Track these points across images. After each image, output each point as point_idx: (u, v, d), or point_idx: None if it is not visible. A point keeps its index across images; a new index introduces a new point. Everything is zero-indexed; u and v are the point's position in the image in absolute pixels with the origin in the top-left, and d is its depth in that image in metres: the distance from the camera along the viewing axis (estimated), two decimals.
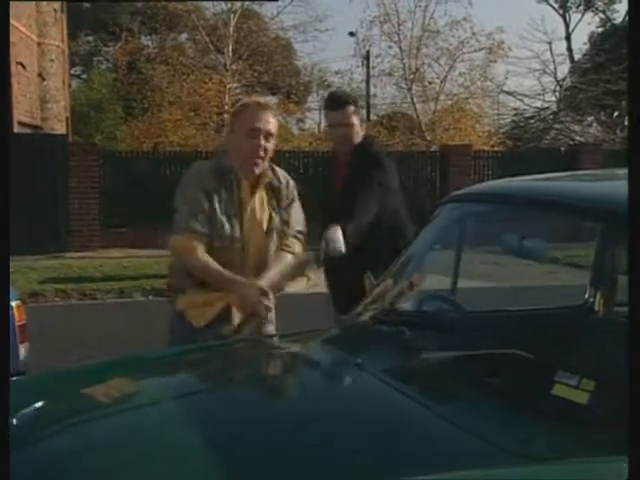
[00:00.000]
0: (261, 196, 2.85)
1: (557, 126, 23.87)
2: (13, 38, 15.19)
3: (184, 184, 2.83)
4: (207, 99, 18.75)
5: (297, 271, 3.05)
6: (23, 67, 18.05)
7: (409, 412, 1.71)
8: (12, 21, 13.76)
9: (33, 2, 19.24)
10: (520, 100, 24.66)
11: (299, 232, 2.93)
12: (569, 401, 1.63)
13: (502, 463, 1.44)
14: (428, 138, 18.69)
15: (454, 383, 1.81)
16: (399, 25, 18.79)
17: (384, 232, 3.54)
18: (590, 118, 26.72)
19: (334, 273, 3.61)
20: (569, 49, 29.18)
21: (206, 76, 19.38)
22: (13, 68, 16.43)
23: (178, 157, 14.10)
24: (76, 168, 12.82)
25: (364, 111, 23.72)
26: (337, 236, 3.13)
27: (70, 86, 25.56)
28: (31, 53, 19.32)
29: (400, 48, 19.01)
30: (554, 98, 25.87)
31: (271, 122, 2.76)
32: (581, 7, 30.14)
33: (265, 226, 2.83)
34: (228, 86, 19.44)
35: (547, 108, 25.11)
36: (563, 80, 26.08)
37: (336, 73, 23.73)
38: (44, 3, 20.44)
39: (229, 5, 20.41)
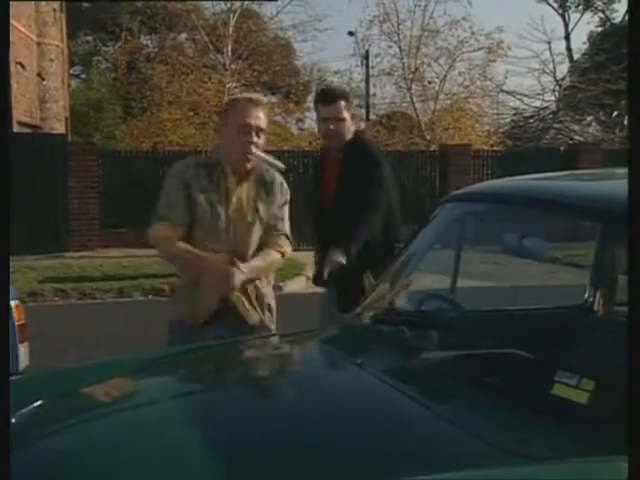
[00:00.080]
0: (248, 188, 2.87)
1: (556, 125, 23.86)
2: (12, 38, 15.17)
3: (167, 177, 2.92)
4: (206, 99, 18.73)
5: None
6: (22, 67, 18.04)
7: (409, 412, 1.71)
8: (11, 21, 13.75)
9: (32, 2, 19.22)
10: (519, 100, 24.68)
11: (289, 233, 2.95)
12: (569, 401, 1.63)
13: (502, 463, 1.43)
14: (428, 138, 18.69)
15: (454, 383, 1.81)
16: (398, 25, 18.80)
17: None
18: (589, 118, 26.71)
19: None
20: (568, 49, 29.19)
21: (205, 76, 19.37)
22: (12, 68, 16.42)
23: (177, 157, 14.01)
24: (75, 168, 12.82)
25: (363, 111, 23.74)
26: (338, 257, 3.29)
27: (69, 86, 25.55)
28: (30, 53, 19.30)
29: (399, 47, 19.03)
30: (553, 98, 25.87)
31: (261, 118, 2.80)
32: (580, 7, 30.14)
33: (250, 217, 2.84)
34: (227, 86, 19.42)
35: (546, 108, 25.11)
36: (562, 80, 26.08)
37: (335, 73, 23.68)
38: (43, 3, 20.42)
39: (228, 5, 20.41)
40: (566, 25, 29.89)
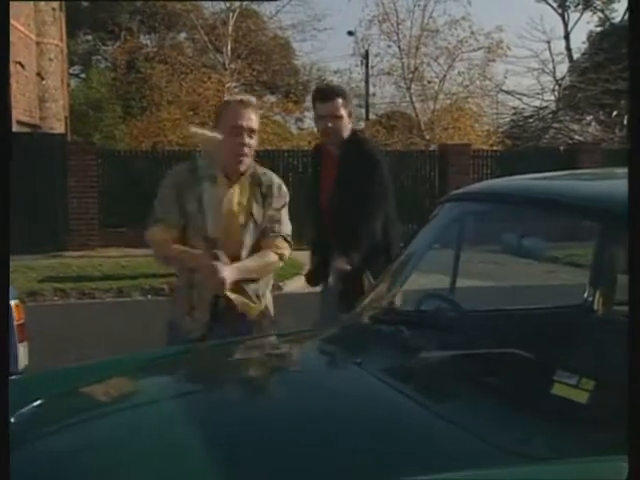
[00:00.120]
0: (242, 190, 2.86)
1: (556, 125, 23.86)
2: (12, 37, 15.14)
3: (163, 180, 2.97)
4: (206, 98, 18.73)
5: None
6: (22, 66, 18.02)
7: (408, 412, 1.71)
8: (11, 20, 13.72)
9: (31, 2, 19.21)
10: (519, 99, 24.69)
11: (289, 234, 2.94)
12: (569, 400, 1.63)
13: (502, 463, 1.43)
14: (427, 137, 18.69)
15: (453, 382, 1.80)
16: (398, 24, 18.80)
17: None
18: (589, 117, 26.72)
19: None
20: (568, 48, 29.19)
21: (205, 75, 19.37)
22: (12, 67, 16.40)
23: (177, 156, 14.03)
24: (75, 167, 12.81)
25: (363, 110, 23.74)
26: (344, 264, 3.33)
27: (69, 85, 25.52)
28: (30, 52, 19.29)
29: (399, 47, 19.03)
30: (553, 97, 25.88)
31: (253, 119, 2.81)
32: (580, 6, 30.13)
33: (242, 220, 2.84)
34: (227, 85, 19.42)
35: (546, 107, 25.11)
36: (562, 79, 26.08)
37: (335, 72, 23.68)
38: (42, 2, 20.40)
39: (228, 4, 20.41)
40: (565, 25, 29.92)
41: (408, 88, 19.26)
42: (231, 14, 20.17)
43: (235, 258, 2.79)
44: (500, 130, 22.32)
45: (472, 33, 18.92)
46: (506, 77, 30.06)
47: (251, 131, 2.81)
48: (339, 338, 2.32)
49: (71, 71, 28.89)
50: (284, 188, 2.97)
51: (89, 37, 32.14)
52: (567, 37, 29.58)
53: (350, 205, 3.52)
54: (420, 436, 1.59)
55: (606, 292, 2.45)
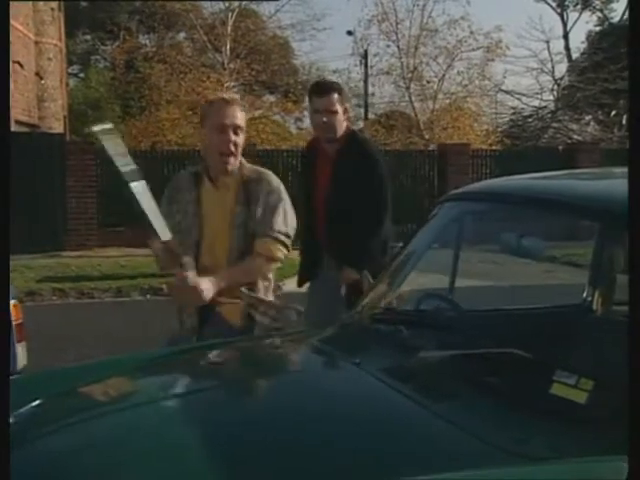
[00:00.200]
0: (228, 192, 2.82)
1: (555, 125, 23.88)
2: (10, 37, 15.12)
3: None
4: (205, 98, 18.57)
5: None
6: (20, 66, 18.01)
7: (407, 412, 1.71)
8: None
9: (30, 1, 19.20)
10: (518, 99, 24.70)
11: (283, 234, 2.79)
12: (567, 400, 1.63)
13: (501, 463, 1.43)
14: (426, 137, 18.70)
15: (452, 382, 1.80)
16: (397, 24, 18.83)
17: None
18: (588, 117, 26.73)
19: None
20: (567, 48, 29.19)
21: (204, 75, 19.38)
22: (10, 67, 16.39)
23: (176, 156, 14.08)
24: (74, 167, 12.80)
25: (362, 110, 23.72)
26: (354, 274, 3.30)
27: (68, 85, 25.50)
28: (28, 52, 19.28)
29: (398, 47, 19.06)
30: (552, 97, 25.90)
31: (238, 116, 2.78)
32: (579, 6, 30.13)
33: (227, 223, 2.79)
34: (226, 85, 19.42)
35: (545, 107, 25.13)
36: (561, 79, 26.11)
37: (334, 72, 23.65)
38: (41, 2, 20.39)
39: (227, 4, 20.44)
40: (564, 24, 29.91)
41: (407, 88, 19.27)
42: (230, 14, 20.19)
43: (220, 263, 2.75)
44: (499, 130, 22.33)
45: (471, 33, 18.97)
46: (505, 77, 29.98)
47: (236, 128, 2.77)
48: (338, 338, 2.31)
49: (70, 71, 28.86)
50: (278, 186, 2.84)
51: (88, 37, 32.12)
52: (566, 37, 29.60)
53: (347, 205, 3.51)
54: (419, 436, 1.59)
55: (605, 292, 2.44)
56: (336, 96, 3.57)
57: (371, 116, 23.70)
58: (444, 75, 19.26)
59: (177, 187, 2.93)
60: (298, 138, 22.59)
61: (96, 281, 9.74)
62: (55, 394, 2.01)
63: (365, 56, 21.85)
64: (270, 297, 2.85)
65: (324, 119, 3.55)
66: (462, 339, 1.98)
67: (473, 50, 19.25)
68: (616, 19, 28.59)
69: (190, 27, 22.74)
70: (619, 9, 28.53)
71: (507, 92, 23.42)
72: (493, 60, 19.87)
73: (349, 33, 23.05)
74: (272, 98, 25.09)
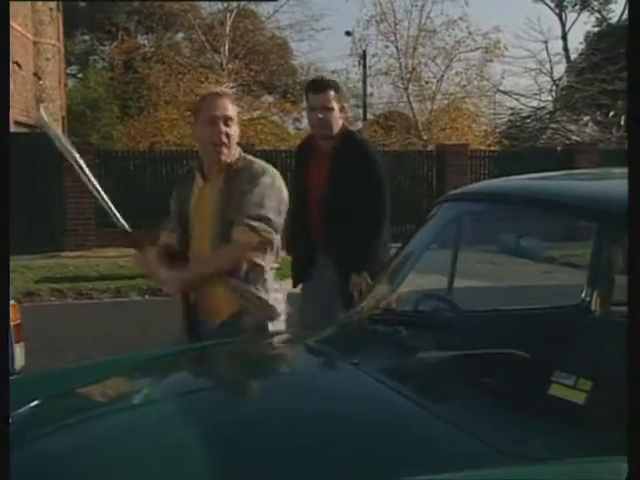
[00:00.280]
0: (214, 185, 2.81)
1: (553, 125, 23.89)
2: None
3: None
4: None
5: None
6: (19, 66, 18.01)
7: (406, 412, 1.71)
8: None
9: (29, 1, 19.19)
10: (516, 99, 24.71)
11: (256, 219, 2.68)
12: (566, 401, 1.63)
13: (499, 463, 1.43)
14: (425, 137, 18.69)
15: (451, 383, 1.80)
16: (395, 24, 18.82)
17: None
18: (586, 117, 26.76)
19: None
20: (565, 48, 29.22)
21: (202, 75, 19.36)
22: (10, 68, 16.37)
23: (174, 156, 14.07)
24: (72, 168, 12.68)
25: (360, 110, 23.71)
26: (362, 279, 3.22)
27: (66, 85, 25.48)
28: (27, 52, 19.27)
29: (397, 47, 19.04)
30: (550, 97, 25.91)
31: (229, 108, 2.79)
32: (577, 6, 30.16)
33: (212, 213, 2.78)
34: (224, 85, 19.38)
35: (543, 107, 25.14)
36: (559, 79, 26.13)
37: (332, 72, 23.62)
38: (40, 2, 20.38)
39: (225, 4, 20.42)
40: (563, 25, 29.94)
41: (406, 88, 19.26)
42: (229, 14, 20.19)
43: (204, 252, 2.79)
44: (497, 130, 22.34)
45: (469, 33, 18.96)
46: (503, 77, 30.01)
47: (227, 119, 2.77)
48: (336, 338, 2.31)
49: (68, 71, 28.85)
50: (262, 173, 2.76)
51: (86, 37, 32.11)
52: (564, 37, 29.62)
53: (344, 204, 3.50)
54: (418, 437, 1.59)
55: (603, 292, 2.45)
56: (332, 93, 3.57)
57: (369, 116, 23.71)
58: (442, 76, 19.26)
59: (178, 186, 2.99)
60: (296, 138, 22.54)
61: (94, 281, 9.73)
62: (53, 395, 2.01)
63: (363, 56, 21.84)
64: (264, 292, 2.79)
65: (320, 116, 3.55)
66: (461, 340, 1.98)
67: (471, 51, 19.26)
68: (614, 20, 28.64)
69: (188, 27, 22.73)
70: (617, 10, 28.58)
71: (505, 93, 23.45)
72: (491, 61, 19.89)
73: (347, 33, 23.04)
74: (270, 98, 25.08)
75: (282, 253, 2.91)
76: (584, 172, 3.52)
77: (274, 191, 2.75)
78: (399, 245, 2.62)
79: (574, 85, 24.13)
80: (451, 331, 2.08)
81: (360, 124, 21.54)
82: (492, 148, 18.14)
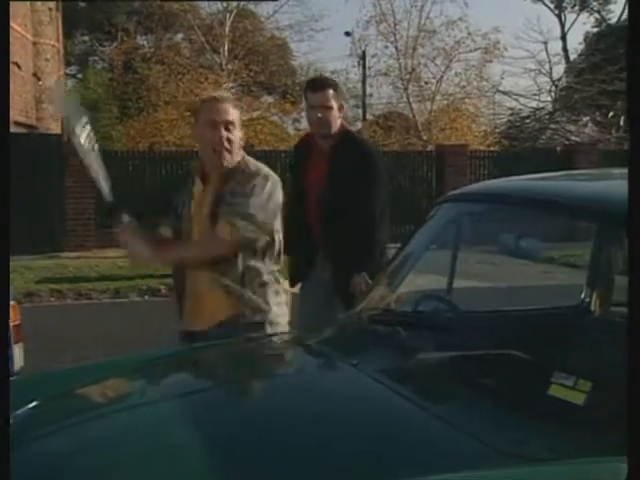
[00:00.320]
0: (213, 187, 2.81)
1: (553, 126, 23.90)
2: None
3: None
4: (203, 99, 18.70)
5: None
6: (18, 67, 18.00)
7: (405, 413, 1.70)
8: None
9: (28, 2, 19.19)
10: (516, 100, 24.71)
11: (241, 217, 2.66)
12: (566, 402, 1.63)
13: (499, 464, 1.43)
14: (424, 138, 18.69)
15: (450, 383, 1.80)
16: (395, 25, 18.81)
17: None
18: (585, 118, 26.77)
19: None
20: (564, 49, 29.22)
21: (202, 76, 19.36)
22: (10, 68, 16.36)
23: (174, 157, 14.07)
24: (72, 168, 12.75)
25: (360, 111, 23.73)
26: (364, 280, 3.34)
27: (66, 86, 25.49)
28: (26, 53, 19.27)
29: (396, 48, 19.03)
30: (550, 98, 25.91)
31: (230, 112, 2.77)
32: (576, 7, 30.17)
33: (209, 213, 2.78)
34: (224, 86, 19.40)
35: (543, 108, 25.14)
36: (559, 80, 26.14)
37: (332, 73, 23.59)
38: (39, 2, 20.37)
39: (225, 5, 20.43)
40: (562, 25, 29.95)
41: (405, 89, 19.26)
42: (228, 15, 20.19)
43: (203, 264, 2.76)
44: (497, 131, 22.34)
45: (469, 34, 18.96)
46: (503, 78, 30.00)
47: (228, 123, 2.75)
48: (336, 339, 2.31)
49: (68, 71, 28.83)
50: (255, 174, 2.76)
51: (86, 37, 32.11)
52: (564, 38, 29.63)
53: (344, 204, 3.49)
54: (417, 437, 1.59)
55: (603, 293, 2.45)
56: (331, 92, 3.57)
57: (369, 117, 23.71)
58: (442, 76, 19.26)
59: (178, 188, 3.00)
60: (296, 139, 22.56)
61: (94, 282, 9.73)
62: (52, 396, 2.01)
63: (363, 57, 21.84)
64: (262, 294, 2.77)
65: (319, 114, 3.54)
66: (460, 340, 1.97)
67: (471, 51, 19.26)
68: (613, 20, 28.65)
69: (188, 28, 22.74)
70: (617, 10, 28.59)
71: (505, 93, 23.44)
72: (491, 61, 19.88)
73: (347, 34, 23.04)
74: (270, 99, 25.08)
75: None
76: (583, 173, 3.52)
77: (265, 192, 2.74)
78: (399, 245, 2.62)
79: (573, 86, 24.13)
80: (450, 332, 2.08)
81: (359, 124, 21.54)
82: (491, 148, 18.15)
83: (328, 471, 1.45)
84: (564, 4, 30.16)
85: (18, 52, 17.94)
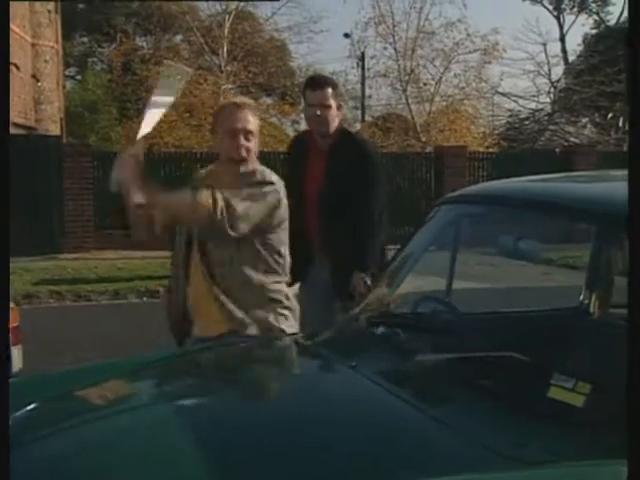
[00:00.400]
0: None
1: (551, 127, 23.93)
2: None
3: None
4: (202, 100, 18.73)
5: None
6: (17, 68, 18.01)
7: (403, 415, 1.70)
8: None
9: (27, 3, 19.19)
10: (515, 101, 24.76)
11: (225, 204, 2.57)
12: (565, 404, 1.62)
13: (498, 467, 1.43)
14: (423, 139, 18.69)
15: (449, 386, 1.80)
16: (394, 26, 18.81)
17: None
18: (584, 119, 26.81)
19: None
20: (563, 51, 29.28)
21: (201, 77, 19.36)
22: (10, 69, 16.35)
23: (173, 158, 14.08)
24: (70, 169, 12.78)
25: (359, 112, 23.73)
26: (364, 279, 3.34)
27: (64, 87, 25.49)
28: (25, 54, 19.27)
29: (395, 49, 19.03)
30: (548, 99, 25.97)
31: (250, 121, 2.74)
32: (575, 9, 30.22)
33: None
34: (223, 87, 19.43)
35: (541, 109, 25.19)
36: (557, 81, 26.19)
37: (331, 74, 23.66)
38: (38, 4, 20.38)
39: (224, 6, 20.43)
40: (561, 27, 30.01)
41: (404, 90, 19.27)
42: (227, 16, 20.19)
43: (214, 282, 2.70)
44: (496, 132, 22.35)
45: (468, 35, 18.96)
46: (502, 79, 29.99)
47: (247, 132, 2.73)
48: (334, 341, 2.31)
49: (67, 73, 28.87)
50: (269, 185, 2.73)
51: (85, 39, 32.15)
52: (562, 39, 29.68)
53: (343, 203, 3.49)
54: (416, 440, 1.58)
55: (602, 294, 2.44)
56: (330, 90, 3.57)
57: (368, 118, 23.71)
58: (441, 77, 19.27)
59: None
60: None
61: (93, 284, 9.72)
62: (51, 398, 2.01)
63: (362, 58, 21.85)
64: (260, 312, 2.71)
65: (318, 112, 3.54)
66: (459, 342, 1.97)
67: (470, 52, 19.26)
68: (612, 22, 28.70)
69: (187, 29, 22.76)
70: (615, 12, 28.68)
71: (504, 94, 23.48)
72: (490, 62, 19.88)
73: (346, 35, 23.04)
74: (269, 100, 25.10)
75: None
76: (583, 174, 3.53)
77: (265, 197, 2.69)
78: (398, 247, 2.62)
79: (572, 87, 24.17)
80: (449, 333, 2.07)
81: (358, 126, 21.55)
82: (490, 150, 18.15)
83: (326, 474, 1.45)
84: (563, 6, 30.22)
85: (17, 54, 17.94)
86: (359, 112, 23.94)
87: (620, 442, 1.26)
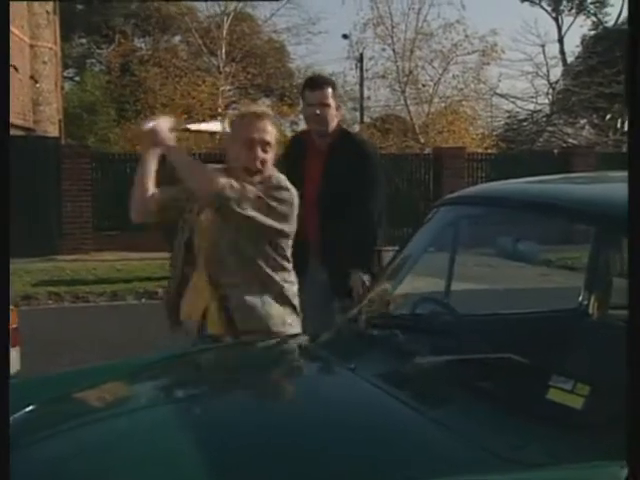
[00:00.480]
0: None
1: (550, 128, 23.96)
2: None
3: None
4: (200, 101, 18.74)
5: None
6: (15, 69, 18.01)
7: (402, 417, 1.70)
8: None
9: (25, 3, 19.19)
10: (513, 103, 24.78)
11: (242, 192, 2.61)
12: (564, 406, 1.62)
13: (497, 469, 1.43)
14: (422, 140, 18.70)
15: (448, 387, 1.80)
16: (392, 28, 18.81)
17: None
18: (583, 121, 26.83)
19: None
20: (562, 52, 29.31)
21: (199, 78, 19.39)
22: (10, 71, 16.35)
23: None
24: (69, 171, 12.79)
25: (357, 114, 23.74)
26: (363, 278, 3.35)
27: (63, 88, 25.51)
28: (23, 55, 19.29)
29: (394, 50, 19.03)
30: (547, 101, 26.00)
31: (268, 131, 2.71)
32: (573, 10, 30.26)
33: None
34: (221, 88, 19.45)
35: (540, 111, 25.22)
36: (556, 83, 26.22)
37: (330, 75, 23.70)
38: (36, 5, 20.39)
39: (222, 7, 20.43)
40: (559, 28, 30.05)
41: (403, 91, 19.27)
42: (225, 17, 20.20)
43: (217, 282, 2.70)
44: (494, 133, 22.39)
45: (466, 36, 18.97)
46: (500, 80, 29.91)
47: (265, 144, 2.69)
48: (333, 343, 2.31)
49: (65, 74, 28.88)
50: (284, 192, 2.76)
51: (83, 40, 32.14)
52: (561, 41, 29.72)
53: (342, 203, 3.49)
54: (415, 442, 1.58)
55: (601, 296, 2.44)
56: (329, 90, 3.58)
57: (366, 120, 23.72)
58: (439, 79, 19.28)
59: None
60: None
61: (91, 285, 9.72)
62: (49, 400, 2.00)
63: (360, 60, 21.85)
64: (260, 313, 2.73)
65: (317, 111, 3.54)
66: (458, 343, 1.97)
67: (468, 54, 19.27)
68: (610, 23, 28.73)
69: (185, 30, 22.77)
70: (613, 13, 28.79)
71: (502, 96, 23.50)
72: (488, 64, 19.89)
73: (344, 37, 23.05)
74: (268, 101, 25.10)
75: None
76: (581, 175, 3.53)
77: (280, 197, 2.72)
78: (396, 248, 2.61)
79: (571, 88, 24.19)
80: (448, 335, 2.07)
81: (357, 127, 21.56)
82: (489, 151, 18.17)
83: (325, 475, 1.45)
84: (561, 7, 30.26)
85: (15, 55, 17.95)
86: (358, 113, 23.96)
87: (619, 444, 1.26)
